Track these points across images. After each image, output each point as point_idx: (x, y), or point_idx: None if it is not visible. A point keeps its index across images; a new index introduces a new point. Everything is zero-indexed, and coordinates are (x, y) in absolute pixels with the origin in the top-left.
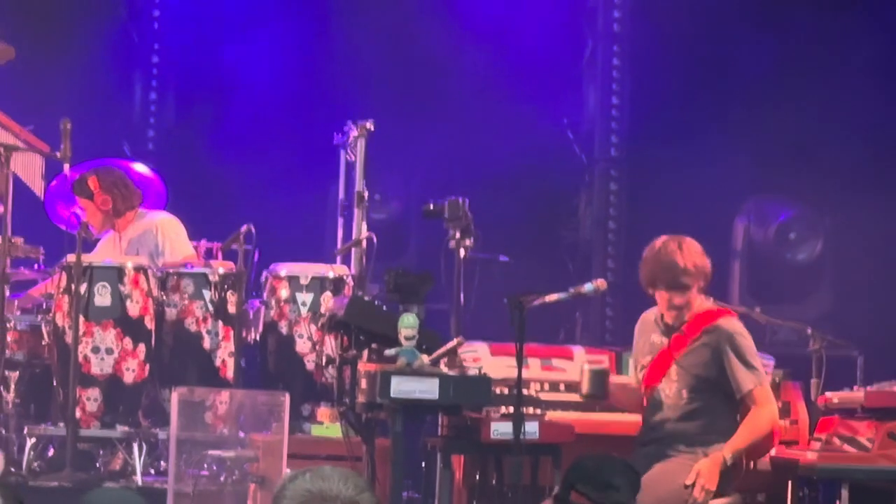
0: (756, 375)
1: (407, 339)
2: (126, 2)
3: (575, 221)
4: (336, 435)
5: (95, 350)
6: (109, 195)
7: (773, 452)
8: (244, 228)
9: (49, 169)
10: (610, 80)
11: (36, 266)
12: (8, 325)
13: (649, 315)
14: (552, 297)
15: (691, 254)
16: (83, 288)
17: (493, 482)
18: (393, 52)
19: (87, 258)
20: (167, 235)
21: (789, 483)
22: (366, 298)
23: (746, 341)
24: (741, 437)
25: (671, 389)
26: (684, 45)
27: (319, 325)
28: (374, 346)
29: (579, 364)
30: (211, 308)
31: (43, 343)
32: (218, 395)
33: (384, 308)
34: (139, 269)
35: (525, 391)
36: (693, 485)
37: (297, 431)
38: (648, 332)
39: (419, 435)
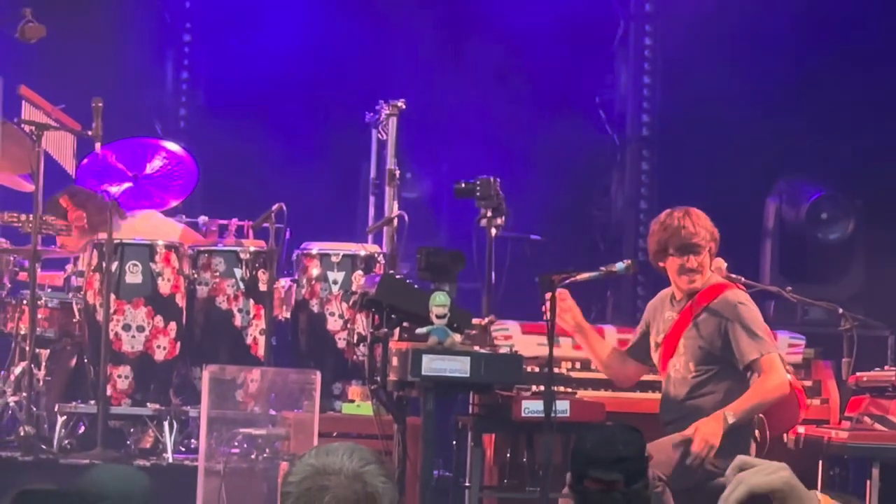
0: (760, 344)
1: (438, 317)
2: None
3: (606, 201)
4: (367, 413)
5: (126, 328)
6: (83, 210)
7: (802, 431)
8: (275, 207)
9: (80, 148)
10: (642, 60)
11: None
12: (39, 303)
13: (665, 293)
14: (583, 276)
15: (699, 218)
16: (114, 266)
17: (524, 460)
18: (425, 31)
19: (118, 236)
20: (147, 233)
21: (820, 462)
22: (397, 277)
23: (751, 311)
24: (744, 399)
25: (680, 363)
26: (716, 25)
27: (351, 303)
28: (405, 324)
29: (610, 342)
30: (242, 286)
31: (74, 320)
32: (249, 373)
33: (416, 286)
34: (170, 247)
35: (556, 370)
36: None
37: (328, 410)
38: (663, 310)
39: (450, 413)
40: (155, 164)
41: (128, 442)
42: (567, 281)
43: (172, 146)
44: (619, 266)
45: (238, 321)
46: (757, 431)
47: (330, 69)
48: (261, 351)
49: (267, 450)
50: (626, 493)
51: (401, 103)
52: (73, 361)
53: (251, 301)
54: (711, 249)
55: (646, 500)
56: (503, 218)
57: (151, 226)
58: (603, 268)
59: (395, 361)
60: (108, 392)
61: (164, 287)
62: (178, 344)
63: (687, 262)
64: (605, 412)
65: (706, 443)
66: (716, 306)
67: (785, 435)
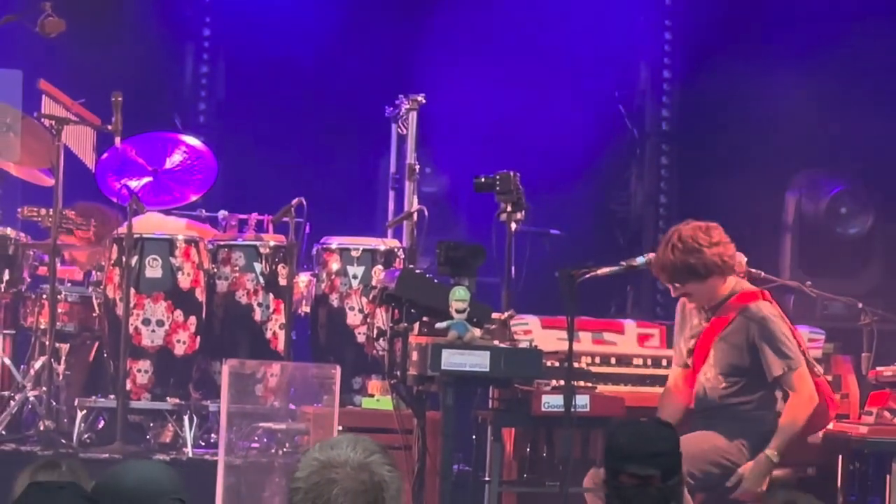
0: (785, 360)
1: (458, 311)
2: None
3: (626, 195)
4: (387, 408)
5: (146, 322)
6: (87, 227)
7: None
8: (295, 201)
9: (100, 142)
10: (661, 55)
11: (87, 238)
12: (59, 297)
13: None
14: (604, 271)
15: (674, 250)
16: (134, 260)
17: (544, 455)
18: (445, 25)
19: (137, 230)
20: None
21: (840, 457)
22: (417, 271)
23: (777, 324)
24: (781, 430)
25: (711, 374)
26: (735, 20)
27: (370, 297)
28: (425, 318)
29: (630, 337)
30: (262, 280)
31: (94, 315)
32: (269, 367)
33: (435, 281)
34: (190, 241)
35: (576, 364)
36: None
37: (348, 404)
38: (692, 315)
39: (470, 408)
40: (175, 159)
41: (147, 436)
42: (587, 276)
43: (192, 140)
44: (640, 260)
45: (258, 315)
46: None
47: (350, 63)
48: (280, 345)
49: (287, 444)
50: (661, 488)
51: (421, 98)
52: (93, 356)
53: (271, 295)
54: (705, 272)
55: (680, 495)
56: (523, 212)
57: (153, 226)
58: (623, 262)
59: (414, 356)
60: (128, 386)
61: (184, 281)
62: (198, 338)
63: (673, 291)
64: (625, 407)
65: (753, 494)
66: (742, 320)
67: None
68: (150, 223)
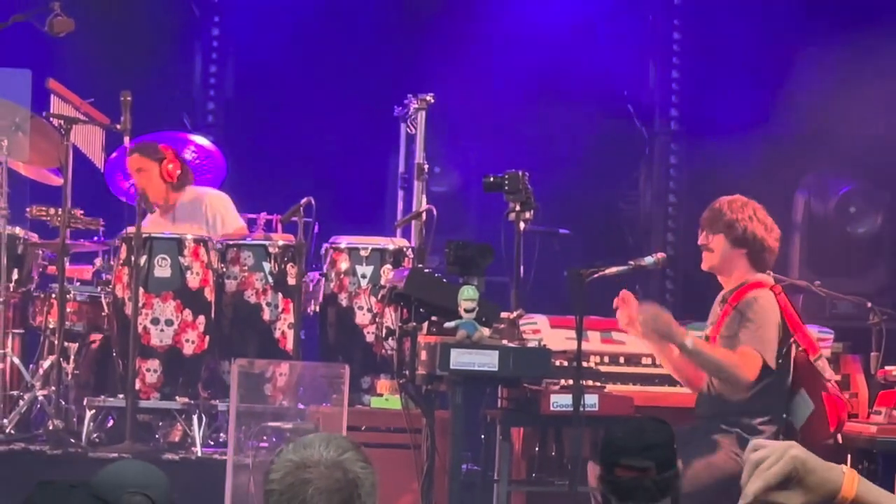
0: (751, 336)
1: (467, 311)
2: None
3: (635, 195)
4: (395, 407)
5: (155, 321)
6: (179, 164)
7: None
8: (304, 201)
9: (109, 141)
10: (670, 54)
11: (96, 238)
12: (68, 297)
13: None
14: (612, 270)
15: (730, 204)
16: (143, 260)
17: (553, 454)
18: (453, 24)
19: (146, 230)
20: (217, 210)
21: (849, 456)
22: (426, 271)
23: (762, 307)
24: (705, 347)
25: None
26: (743, 19)
27: (379, 297)
28: (433, 318)
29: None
30: (270, 280)
31: (103, 314)
32: (277, 366)
33: (444, 280)
34: (199, 240)
35: (584, 364)
36: None
37: (357, 403)
38: (715, 306)
39: (479, 407)
40: (185, 158)
41: (156, 436)
42: (596, 275)
43: (201, 140)
44: (649, 260)
45: (267, 315)
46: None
47: (359, 63)
48: (289, 345)
49: None
50: (657, 480)
51: (429, 97)
52: (102, 355)
53: (280, 295)
54: (742, 239)
55: (677, 489)
56: (532, 212)
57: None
58: (632, 262)
59: (423, 355)
60: (137, 386)
61: (193, 281)
62: (207, 338)
63: (701, 237)
64: (634, 406)
65: (651, 314)
66: (735, 312)
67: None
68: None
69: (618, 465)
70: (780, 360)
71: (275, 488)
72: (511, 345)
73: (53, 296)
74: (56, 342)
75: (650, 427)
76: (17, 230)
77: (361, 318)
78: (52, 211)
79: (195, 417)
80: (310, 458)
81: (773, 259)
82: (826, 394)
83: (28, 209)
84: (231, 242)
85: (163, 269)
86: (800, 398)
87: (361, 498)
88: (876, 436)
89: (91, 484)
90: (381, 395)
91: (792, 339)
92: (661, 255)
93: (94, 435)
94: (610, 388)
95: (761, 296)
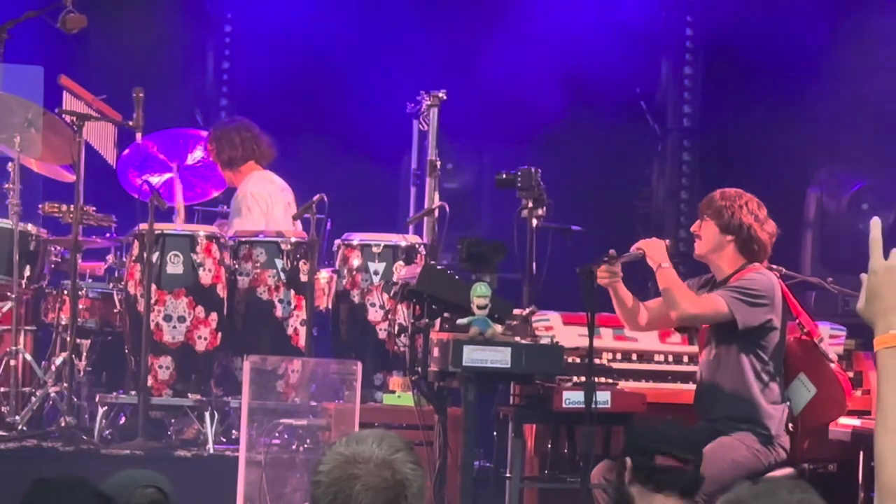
0: (725, 291)
1: (479, 308)
2: None
3: (647, 192)
4: (408, 404)
5: (167, 318)
6: (215, 145)
7: (841, 421)
8: (316, 197)
9: (122, 138)
10: (683, 51)
11: (108, 234)
12: (80, 293)
13: None
14: (622, 259)
15: (724, 193)
16: (155, 256)
17: (565, 451)
18: (466, 20)
19: (159, 227)
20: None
21: (861, 453)
22: (438, 267)
23: (749, 280)
24: (677, 283)
25: (711, 343)
26: (757, 15)
27: (392, 293)
28: (446, 314)
29: (651, 333)
30: (283, 277)
31: (115, 311)
32: (290, 363)
33: (457, 277)
34: (211, 237)
35: (597, 360)
36: None
37: (369, 400)
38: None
39: (491, 404)
40: (196, 155)
41: (169, 433)
42: (605, 265)
43: None
44: None
45: (279, 312)
46: (791, 424)
47: (371, 59)
48: (302, 341)
49: (308, 440)
50: (695, 476)
51: (442, 94)
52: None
53: (292, 292)
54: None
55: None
56: (544, 208)
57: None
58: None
59: (435, 352)
60: (149, 382)
61: (206, 277)
62: (219, 334)
63: (695, 225)
64: (646, 403)
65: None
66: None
67: (831, 428)
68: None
69: (660, 453)
70: (775, 350)
71: (322, 479)
72: (523, 341)
73: (66, 292)
74: (68, 339)
75: (691, 428)
76: (30, 227)
77: (374, 314)
78: (64, 207)
79: (207, 414)
80: (360, 455)
81: (765, 254)
82: (835, 369)
83: (40, 206)
84: (243, 239)
85: (175, 266)
86: (798, 383)
87: (408, 499)
88: None
89: (101, 487)
90: (393, 391)
91: (797, 321)
92: (666, 241)
93: (107, 432)
94: (622, 385)
95: (761, 273)
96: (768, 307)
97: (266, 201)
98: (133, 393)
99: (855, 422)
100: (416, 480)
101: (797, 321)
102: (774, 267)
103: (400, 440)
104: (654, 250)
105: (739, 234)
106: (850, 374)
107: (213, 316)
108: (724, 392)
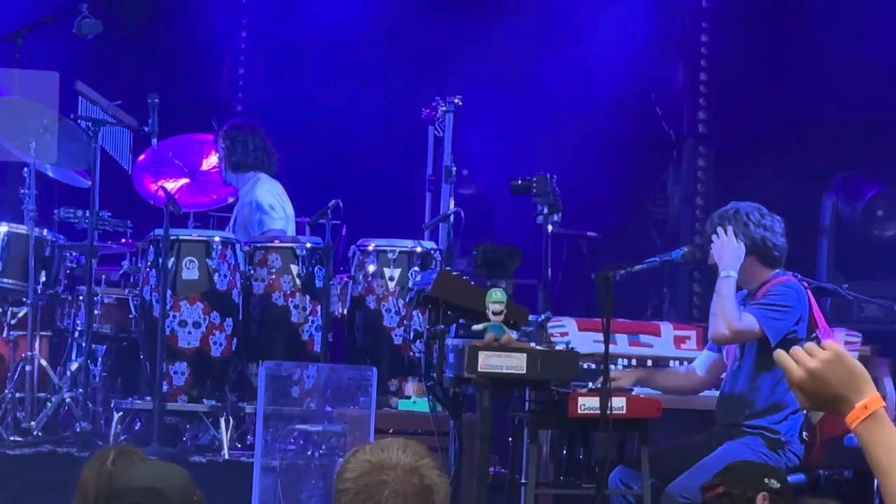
0: (759, 309)
1: (495, 314)
2: None
3: (662, 198)
4: (423, 410)
5: (183, 324)
6: (228, 143)
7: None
8: (332, 203)
9: (137, 144)
10: (698, 56)
11: (123, 240)
12: (95, 299)
13: None
14: (639, 267)
15: (725, 216)
16: (171, 262)
17: (580, 457)
18: (481, 26)
19: (174, 232)
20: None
21: None
22: (454, 273)
23: (778, 297)
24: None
25: (738, 354)
26: (772, 21)
27: (407, 299)
28: (461, 320)
29: (666, 339)
30: (298, 282)
31: (130, 317)
32: (305, 369)
33: (472, 283)
34: (227, 243)
35: (612, 366)
36: None
37: (385, 406)
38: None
39: (506, 410)
40: (211, 161)
41: (184, 438)
42: (623, 273)
43: None
44: (676, 254)
45: (294, 317)
46: (805, 433)
47: (387, 65)
48: (317, 347)
49: (323, 446)
50: None
51: (457, 100)
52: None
53: (308, 297)
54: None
55: None
56: (559, 214)
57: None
58: (658, 257)
59: (451, 358)
60: (165, 388)
61: (221, 283)
62: (235, 340)
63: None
64: (662, 409)
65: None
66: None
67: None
68: None
69: (763, 488)
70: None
71: (349, 487)
72: (539, 347)
73: (81, 298)
74: (84, 344)
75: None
76: (45, 232)
77: (389, 320)
78: (79, 213)
79: (222, 420)
80: (387, 461)
81: (785, 254)
82: None
83: (56, 211)
84: (259, 245)
85: (190, 272)
86: None
87: None
88: None
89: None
90: (408, 397)
91: (815, 334)
92: (690, 249)
93: (122, 437)
94: (638, 390)
95: (789, 286)
96: (796, 319)
97: (282, 200)
98: (148, 398)
99: None
100: (442, 487)
101: (814, 334)
102: (800, 277)
103: (423, 448)
104: (729, 256)
105: (757, 250)
106: None
107: (229, 321)
108: (742, 398)
